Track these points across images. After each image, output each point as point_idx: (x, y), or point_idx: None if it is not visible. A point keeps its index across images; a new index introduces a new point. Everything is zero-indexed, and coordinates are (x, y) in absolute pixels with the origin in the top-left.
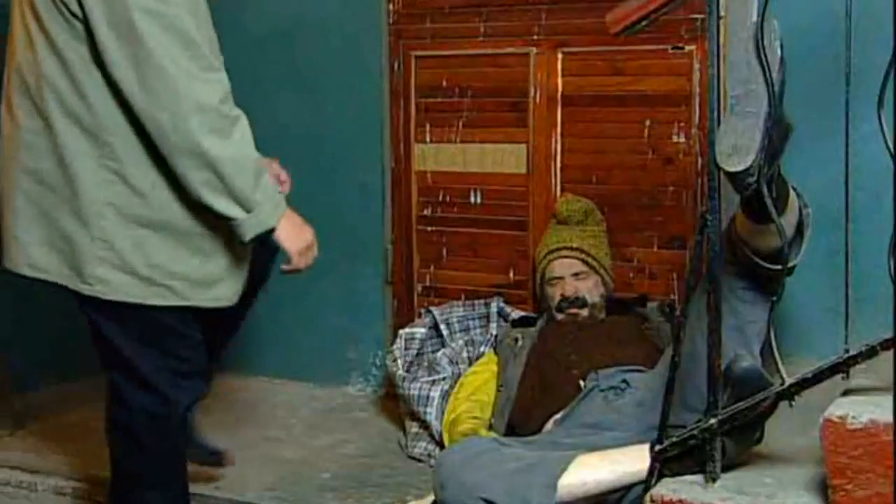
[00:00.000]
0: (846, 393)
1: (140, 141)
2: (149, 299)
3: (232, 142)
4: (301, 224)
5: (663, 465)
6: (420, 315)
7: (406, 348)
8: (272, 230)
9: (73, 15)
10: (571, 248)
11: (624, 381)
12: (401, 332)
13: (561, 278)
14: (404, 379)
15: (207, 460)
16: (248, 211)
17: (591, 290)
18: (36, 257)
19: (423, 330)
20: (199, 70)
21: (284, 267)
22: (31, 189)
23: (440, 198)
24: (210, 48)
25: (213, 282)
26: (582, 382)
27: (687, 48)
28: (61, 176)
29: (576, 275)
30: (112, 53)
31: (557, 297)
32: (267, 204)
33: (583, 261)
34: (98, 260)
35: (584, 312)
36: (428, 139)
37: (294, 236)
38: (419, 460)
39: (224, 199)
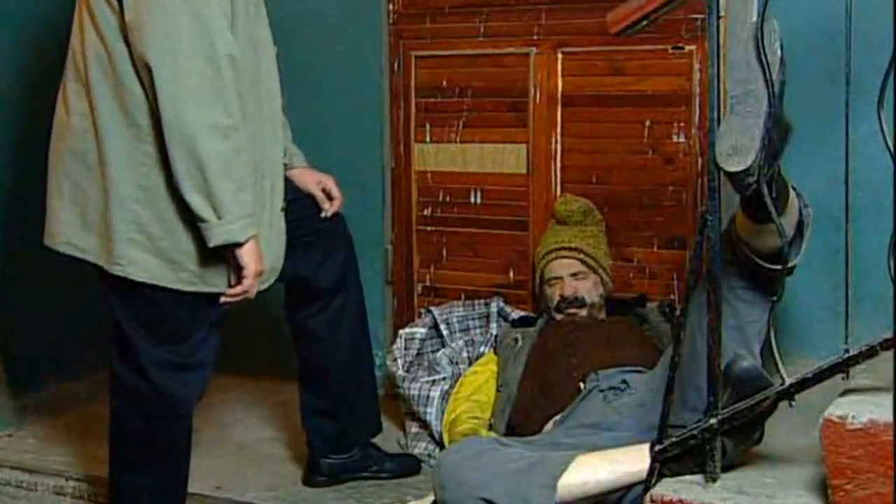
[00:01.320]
0: (846, 393)
1: None
2: (176, 284)
3: (226, 144)
4: (262, 256)
5: (663, 465)
6: (420, 315)
7: (406, 348)
8: (237, 245)
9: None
10: (570, 249)
11: (624, 381)
12: (401, 332)
13: (560, 278)
14: (404, 379)
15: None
16: (219, 217)
17: (589, 290)
18: (74, 237)
19: (423, 330)
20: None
21: (228, 292)
22: (73, 170)
23: (440, 198)
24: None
25: None
26: (582, 383)
27: (687, 48)
28: (99, 158)
29: (574, 275)
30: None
31: (556, 298)
32: (241, 218)
33: (581, 261)
34: (129, 242)
35: (583, 312)
36: (428, 139)
37: (256, 260)
38: (421, 461)
39: (199, 197)
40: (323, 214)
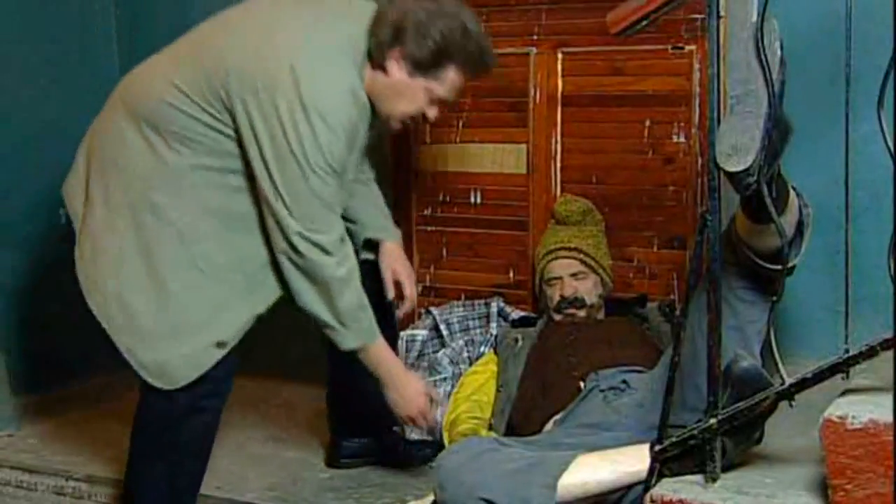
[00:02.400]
0: (846, 393)
1: None
2: None
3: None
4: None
5: (663, 465)
6: (420, 315)
7: (407, 350)
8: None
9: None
10: (569, 249)
11: (624, 381)
12: (402, 334)
13: (559, 279)
14: None
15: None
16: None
17: (589, 290)
18: None
19: (424, 332)
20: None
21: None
22: None
23: (440, 198)
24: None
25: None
26: (582, 383)
27: (687, 48)
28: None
29: (574, 275)
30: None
31: (556, 298)
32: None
33: (581, 261)
34: None
35: (583, 313)
36: (428, 139)
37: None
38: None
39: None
40: (397, 313)
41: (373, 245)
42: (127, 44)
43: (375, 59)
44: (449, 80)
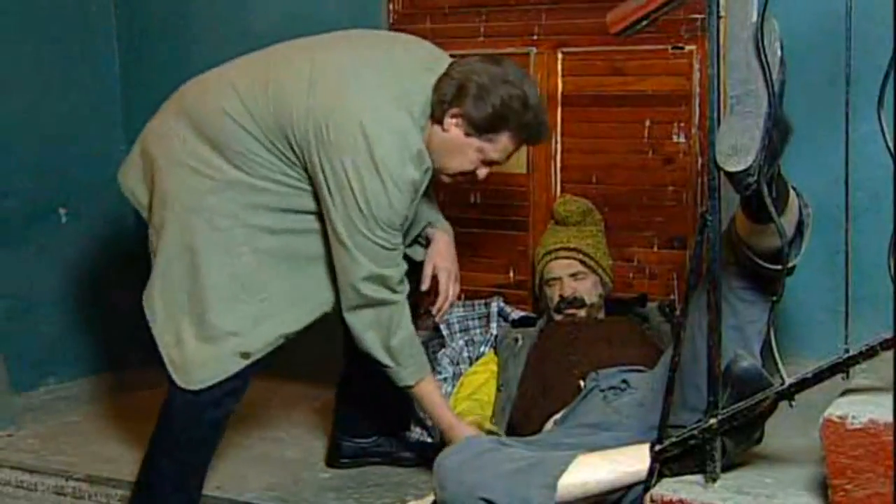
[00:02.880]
0: (846, 393)
1: None
2: None
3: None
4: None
5: (663, 465)
6: (421, 317)
7: None
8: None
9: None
10: (568, 249)
11: (624, 381)
12: None
13: (559, 279)
14: None
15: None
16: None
17: (589, 290)
18: None
19: (424, 334)
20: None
21: None
22: None
23: (440, 198)
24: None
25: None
26: (582, 383)
27: (687, 48)
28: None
29: (573, 275)
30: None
31: (556, 298)
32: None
33: (580, 261)
34: None
35: (582, 313)
36: None
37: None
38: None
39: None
40: (434, 312)
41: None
42: (127, 44)
43: (436, 115)
44: (502, 144)
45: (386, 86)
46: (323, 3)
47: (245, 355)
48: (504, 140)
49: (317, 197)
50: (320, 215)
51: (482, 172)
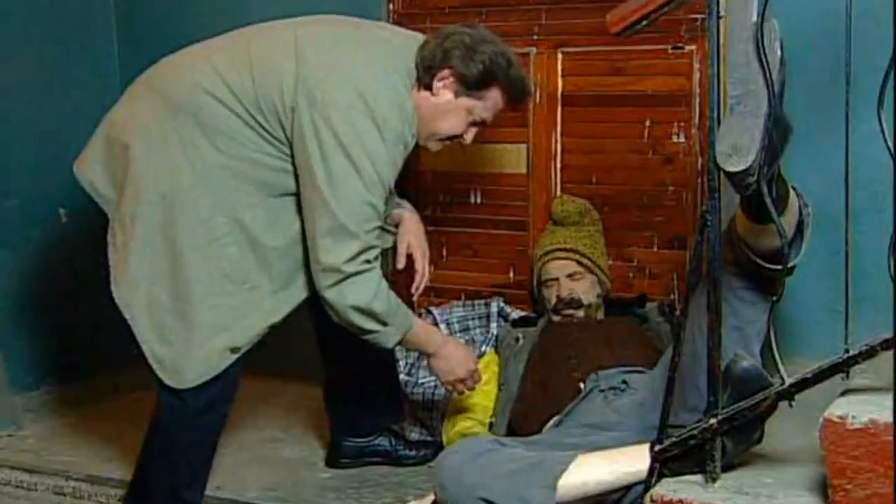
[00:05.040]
0: (846, 393)
1: None
2: None
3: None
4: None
5: (663, 465)
6: (420, 315)
7: (407, 352)
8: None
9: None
10: (565, 250)
11: (624, 381)
12: None
13: (556, 279)
14: (406, 384)
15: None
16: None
17: (586, 290)
18: None
19: None
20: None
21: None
22: None
23: (440, 198)
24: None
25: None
26: (582, 383)
27: (687, 48)
28: None
29: (570, 276)
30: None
31: (553, 299)
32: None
33: (577, 262)
34: None
35: (580, 313)
36: None
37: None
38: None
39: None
40: (413, 291)
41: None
42: (127, 44)
43: (423, 81)
44: (492, 101)
45: (373, 54)
46: (322, 3)
47: (234, 350)
48: (493, 97)
49: (296, 176)
50: (298, 199)
51: (469, 135)
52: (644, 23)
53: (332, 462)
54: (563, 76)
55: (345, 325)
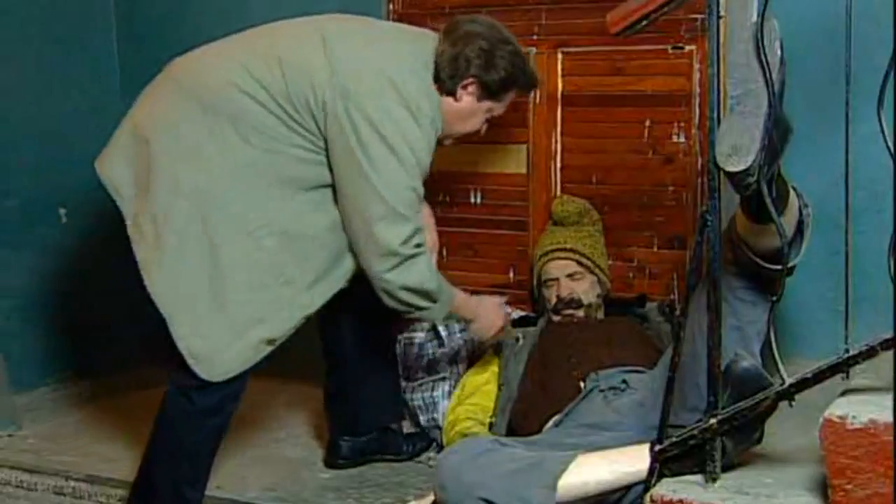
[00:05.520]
0: (846, 393)
1: None
2: None
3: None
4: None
5: (663, 465)
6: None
7: (406, 353)
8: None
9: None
10: (565, 250)
11: (624, 381)
12: (399, 337)
13: (556, 280)
14: (405, 389)
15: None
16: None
17: (586, 290)
18: None
19: (422, 335)
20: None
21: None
22: None
23: (440, 198)
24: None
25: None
26: (582, 383)
27: (687, 48)
28: None
29: (570, 276)
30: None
31: (553, 299)
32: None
33: (577, 262)
34: None
35: (580, 313)
36: None
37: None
38: (419, 461)
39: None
40: None
41: None
42: (127, 44)
43: (446, 87)
44: (509, 99)
45: (396, 46)
46: (323, 3)
47: (270, 342)
48: (511, 96)
49: (331, 168)
50: (332, 191)
51: (484, 128)
52: (644, 23)
53: (330, 462)
54: (563, 76)
55: (395, 304)
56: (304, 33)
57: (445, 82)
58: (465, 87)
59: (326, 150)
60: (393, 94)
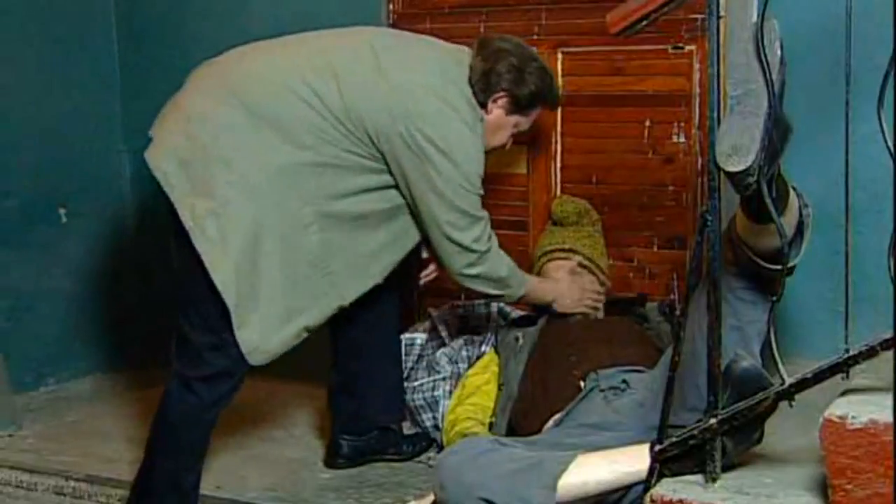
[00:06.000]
0: (846, 393)
1: None
2: None
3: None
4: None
5: (663, 465)
6: (420, 318)
7: (406, 354)
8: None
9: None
10: (565, 250)
11: (624, 381)
12: (401, 337)
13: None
14: (405, 390)
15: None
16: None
17: None
18: None
19: (423, 335)
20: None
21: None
22: None
23: None
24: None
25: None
26: (582, 383)
27: (687, 48)
28: None
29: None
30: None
31: None
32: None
33: (578, 262)
34: None
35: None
36: None
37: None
38: (419, 461)
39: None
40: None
41: None
42: (127, 44)
43: (476, 99)
44: (535, 114)
45: (441, 64)
46: (323, 3)
47: (309, 329)
48: (537, 112)
49: (375, 172)
50: (379, 193)
51: (510, 143)
52: (644, 23)
53: (330, 462)
54: (563, 76)
55: (472, 289)
56: (355, 48)
57: (478, 95)
58: (495, 101)
59: (381, 158)
60: (446, 109)
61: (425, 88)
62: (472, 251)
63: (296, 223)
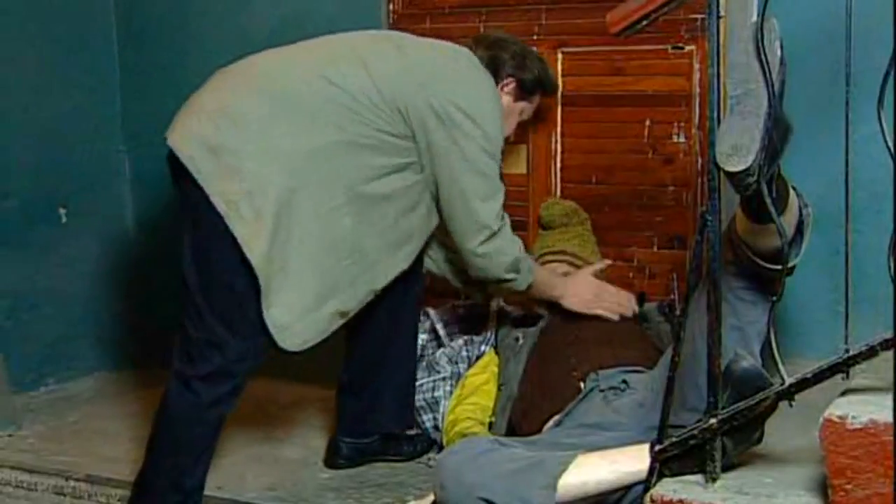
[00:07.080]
0: (846, 393)
1: None
2: None
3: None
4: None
5: (663, 465)
6: (419, 318)
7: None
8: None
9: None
10: (554, 252)
11: (624, 381)
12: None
13: None
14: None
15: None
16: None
17: None
18: None
19: (423, 336)
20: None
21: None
22: None
23: None
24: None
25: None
26: (582, 383)
27: (687, 48)
28: None
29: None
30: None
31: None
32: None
33: (568, 262)
34: None
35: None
36: None
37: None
38: (419, 461)
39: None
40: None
41: None
42: (127, 44)
43: None
44: (536, 102)
45: (459, 58)
46: (323, 3)
47: (343, 314)
48: (538, 98)
49: (404, 153)
50: (407, 174)
51: (513, 135)
52: (644, 23)
53: (330, 462)
54: (563, 76)
55: (485, 276)
56: (375, 41)
57: None
58: (503, 88)
59: (410, 136)
60: (471, 77)
61: (448, 60)
62: (488, 227)
63: (328, 205)
